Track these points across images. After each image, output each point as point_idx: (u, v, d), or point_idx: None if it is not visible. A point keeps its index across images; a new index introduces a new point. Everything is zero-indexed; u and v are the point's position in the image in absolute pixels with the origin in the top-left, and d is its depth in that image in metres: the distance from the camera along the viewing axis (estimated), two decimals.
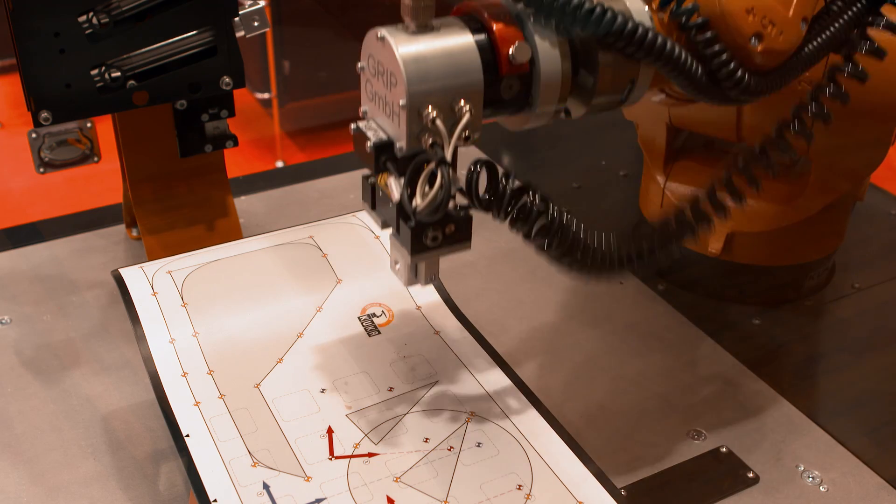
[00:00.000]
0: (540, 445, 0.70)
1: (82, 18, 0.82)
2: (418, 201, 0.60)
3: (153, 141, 0.96)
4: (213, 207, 1.01)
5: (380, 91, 0.62)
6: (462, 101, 0.60)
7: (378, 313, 0.81)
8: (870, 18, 0.72)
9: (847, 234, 1.03)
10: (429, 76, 0.59)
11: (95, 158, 1.02)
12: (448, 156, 0.60)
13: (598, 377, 0.89)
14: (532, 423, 0.71)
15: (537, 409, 0.73)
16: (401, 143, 0.61)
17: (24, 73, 0.82)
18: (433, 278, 0.69)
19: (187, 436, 0.69)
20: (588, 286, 1.02)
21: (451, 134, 0.60)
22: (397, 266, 0.70)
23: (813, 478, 0.79)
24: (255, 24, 0.89)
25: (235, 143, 0.97)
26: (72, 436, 0.81)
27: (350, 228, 0.88)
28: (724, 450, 0.81)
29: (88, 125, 0.99)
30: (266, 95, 2.63)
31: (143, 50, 0.86)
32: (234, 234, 1.00)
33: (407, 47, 0.59)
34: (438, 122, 0.60)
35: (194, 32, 0.87)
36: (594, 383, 0.88)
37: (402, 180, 0.62)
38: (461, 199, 0.63)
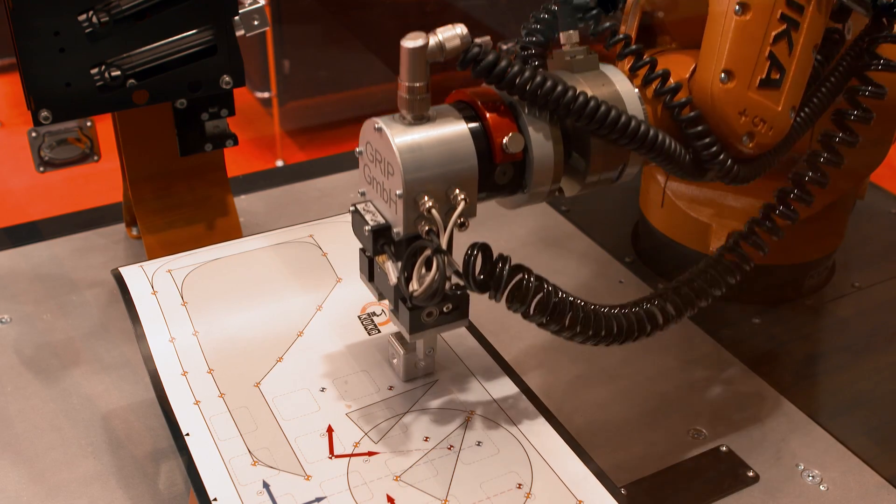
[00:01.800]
0: (540, 444, 0.69)
1: (82, 17, 0.82)
2: (415, 286, 0.62)
3: (153, 140, 0.96)
4: (213, 206, 1.00)
5: (377, 177, 0.64)
6: (457, 190, 0.62)
7: (378, 312, 0.81)
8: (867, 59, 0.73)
9: (847, 234, 1.03)
10: (424, 165, 0.61)
11: (95, 157, 1.01)
12: (444, 244, 0.62)
13: (598, 376, 0.89)
14: (532, 422, 0.71)
15: (537, 408, 0.72)
16: (398, 229, 0.63)
17: (24, 72, 0.82)
18: (430, 368, 0.73)
19: (187, 434, 0.69)
20: (588, 286, 1.02)
21: (446, 222, 0.62)
22: (395, 361, 0.74)
23: (813, 477, 0.79)
24: (255, 22, 0.89)
25: (235, 142, 0.97)
26: (72, 435, 0.81)
27: (350, 227, 0.88)
28: (725, 449, 0.81)
29: (88, 124, 0.99)
30: (266, 94, 2.62)
31: (143, 49, 0.85)
32: (234, 233, 1.00)
33: (403, 138, 0.61)
34: (434, 211, 0.61)
35: (194, 31, 0.87)
36: (594, 382, 0.88)
37: (399, 265, 0.64)
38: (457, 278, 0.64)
